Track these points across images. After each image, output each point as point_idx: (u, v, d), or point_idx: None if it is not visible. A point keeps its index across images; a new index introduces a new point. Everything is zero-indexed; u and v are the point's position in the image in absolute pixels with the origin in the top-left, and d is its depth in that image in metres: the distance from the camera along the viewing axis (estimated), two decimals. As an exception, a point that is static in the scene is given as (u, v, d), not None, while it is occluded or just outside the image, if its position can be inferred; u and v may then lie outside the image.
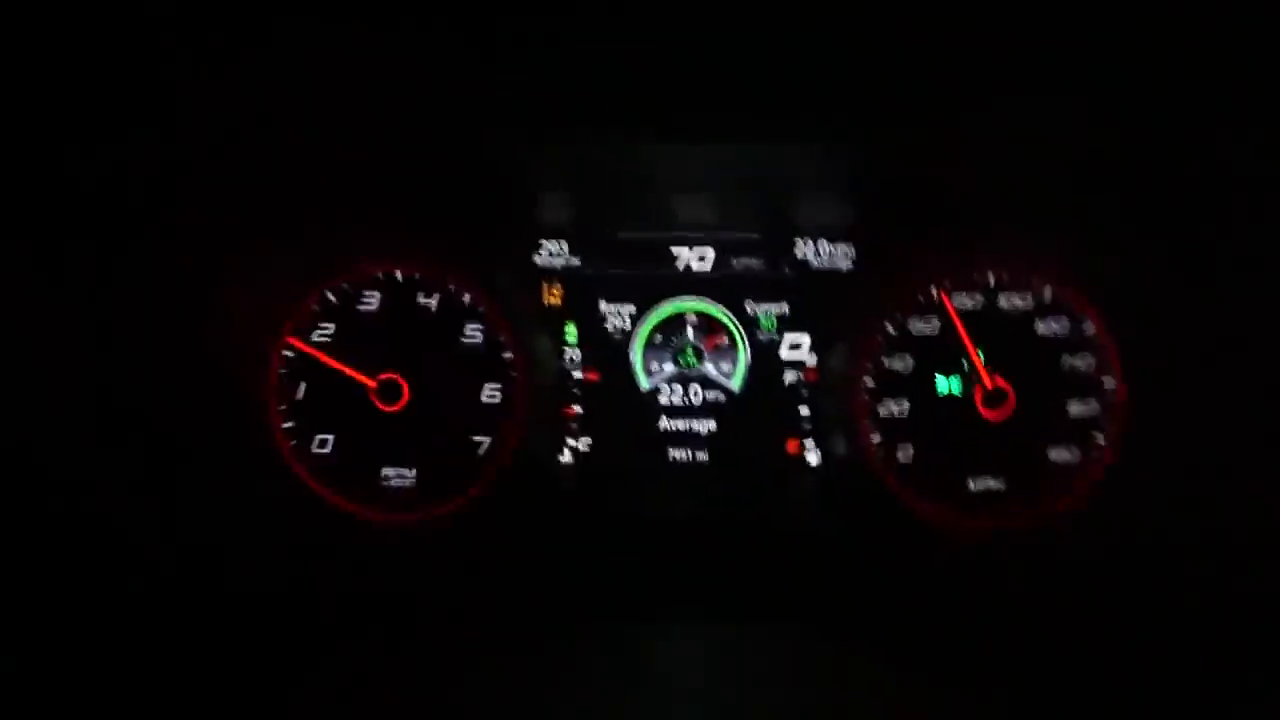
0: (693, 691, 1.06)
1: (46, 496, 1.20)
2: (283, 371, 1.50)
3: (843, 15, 1.06)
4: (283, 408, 1.49)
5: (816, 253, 1.55)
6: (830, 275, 1.55)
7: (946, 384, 1.50)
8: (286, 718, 1.12)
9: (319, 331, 1.50)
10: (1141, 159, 1.29)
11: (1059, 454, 1.50)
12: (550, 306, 1.55)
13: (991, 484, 1.50)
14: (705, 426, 1.56)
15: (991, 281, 1.50)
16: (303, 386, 1.50)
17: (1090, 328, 1.49)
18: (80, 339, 1.25)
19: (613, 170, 1.37)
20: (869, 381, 1.51)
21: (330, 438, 1.50)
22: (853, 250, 1.54)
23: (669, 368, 1.56)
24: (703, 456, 1.56)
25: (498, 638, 1.27)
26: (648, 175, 1.40)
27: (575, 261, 1.55)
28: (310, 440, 1.50)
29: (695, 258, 1.56)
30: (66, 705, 1.07)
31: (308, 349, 1.49)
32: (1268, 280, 1.27)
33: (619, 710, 1.07)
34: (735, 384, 1.56)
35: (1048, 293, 1.49)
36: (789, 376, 1.56)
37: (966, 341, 1.48)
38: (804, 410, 1.56)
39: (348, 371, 1.47)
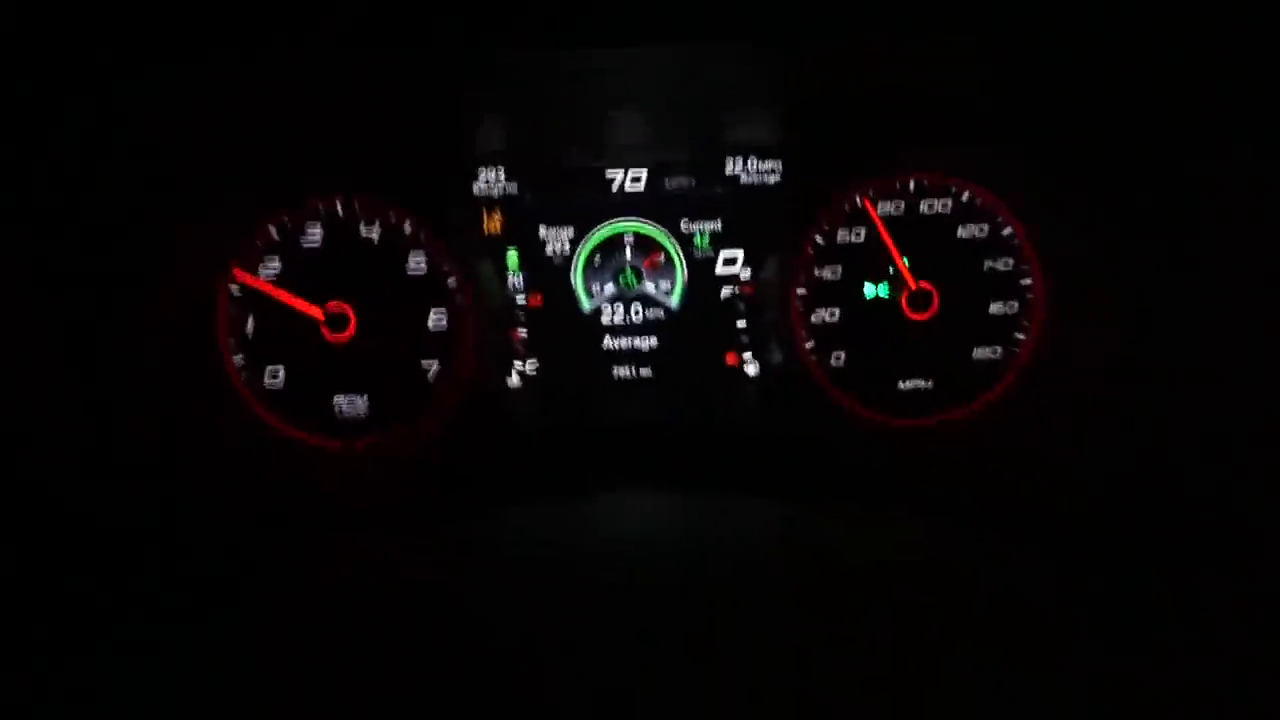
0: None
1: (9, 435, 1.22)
2: (231, 306, 1.53)
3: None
4: (232, 341, 1.53)
5: (746, 169, 1.60)
6: (760, 190, 1.60)
7: (874, 290, 1.56)
8: (243, 641, 1.14)
9: (265, 266, 1.53)
10: (1057, 70, 1.35)
11: (982, 352, 1.57)
12: (491, 234, 1.59)
13: (921, 383, 1.58)
14: (647, 343, 1.62)
15: (913, 188, 1.56)
16: (251, 320, 1.53)
17: (1009, 230, 1.56)
18: (30, 279, 1.26)
19: (546, 90, 1.40)
20: (801, 291, 1.57)
21: (281, 369, 1.54)
22: (780, 165, 1.59)
23: (609, 288, 1.61)
24: (646, 372, 1.62)
25: (449, 563, 1.30)
26: (581, 96, 1.43)
27: (513, 188, 1.59)
28: (262, 372, 1.53)
29: (629, 179, 1.60)
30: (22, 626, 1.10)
31: (255, 282, 1.52)
32: (1175, 179, 1.33)
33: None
34: (674, 301, 1.62)
35: (966, 197, 1.55)
36: (725, 291, 1.61)
37: (892, 247, 1.54)
38: (741, 323, 1.61)
39: (295, 304, 1.51)
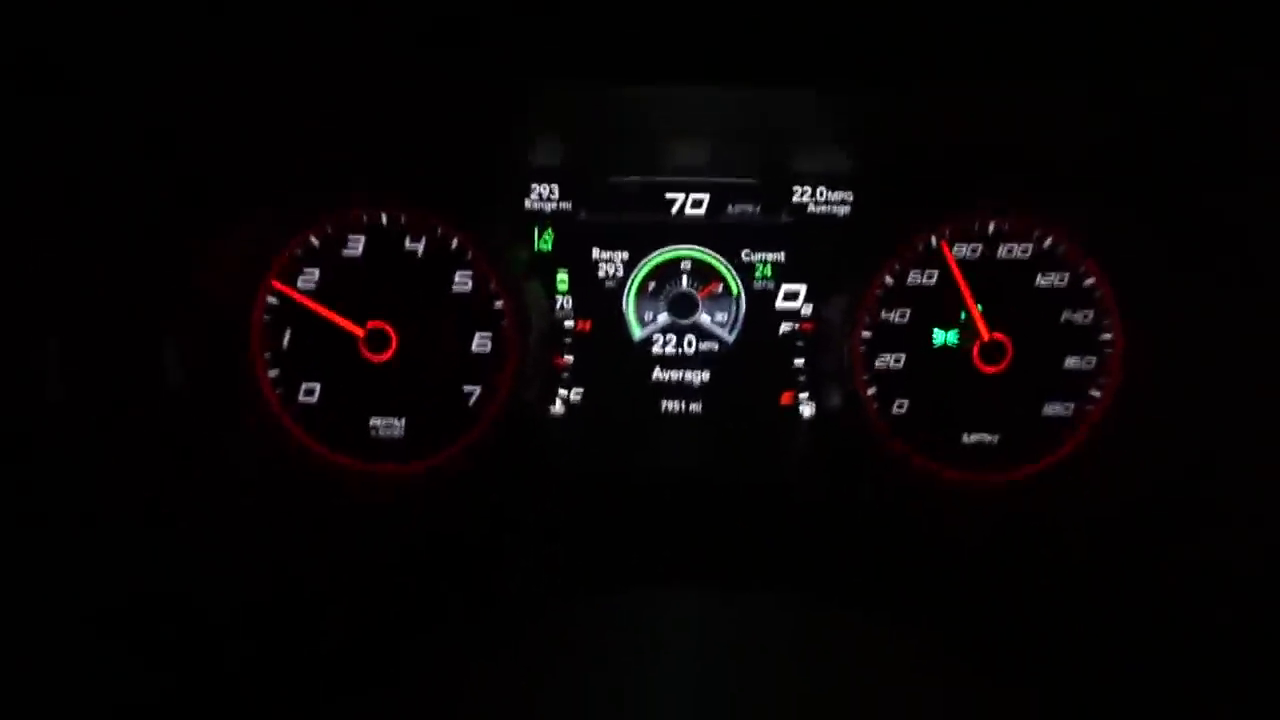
0: (682, 652, 1.06)
1: (33, 449, 1.18)
2: (268, 317, 1.46)
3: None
4: (268, 354, 1.46)
5: (814, 200, 1.51)
6: (828, 223, 1.51)
7: (943, 336, 1.48)
8: (274, 664, 1.12)
9: (304, 277, 1.46)
10: (1146, 122, 1.26)
11: (1053, 408, 1.49)
12: (541, 253, 1.51)
13: (985, 438, 1.50)
14: (699, 377, 1.55)
15: (992, 231, 1.47)
16: (288, 333, 1.46)
17: (1089, 281, 1.47)
18: (66, 288, 1.21)
19: (606, 114, 1.32)
20: (866, 333, 1.49)
21: (317, 386, 1.47)
22: (851, 197, 1.51)
23: (663, 317, 1.54)
24: (696, 408, 1.55)
25: (484, 590, 1.26)
26: (642, 119, 1.35)
27: (567, 206, 1.51)
28: (297, 389, 1.47)
29: (690, 203, 1.52)
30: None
31: (293, 294, 1.45)
32: (1266, 241, 1.25)
33: (606, 664, 1.07)
34: (730, 334, 1.54)
35: (1048, 244, 1.46)
36: (784, 327, 1.53)
37: (966, 294, 1.45)
38: (799, 362, 1.54)
39: (336, 320, 1.44)
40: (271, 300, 1.46)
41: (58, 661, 1.07)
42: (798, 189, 1.51)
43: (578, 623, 1.10)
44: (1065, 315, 1.47)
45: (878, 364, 1.49)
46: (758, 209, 1.52)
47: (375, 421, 1.48)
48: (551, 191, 1.51)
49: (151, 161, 1.27)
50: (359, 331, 1.44)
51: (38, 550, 1.15)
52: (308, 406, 1.48)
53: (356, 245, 1.46)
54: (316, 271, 1.46)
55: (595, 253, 1.52)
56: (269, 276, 1.46)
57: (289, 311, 1.46)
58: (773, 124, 1.38)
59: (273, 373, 1.47)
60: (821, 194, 1.51)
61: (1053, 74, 1.20)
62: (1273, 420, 1.26)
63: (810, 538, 1.38)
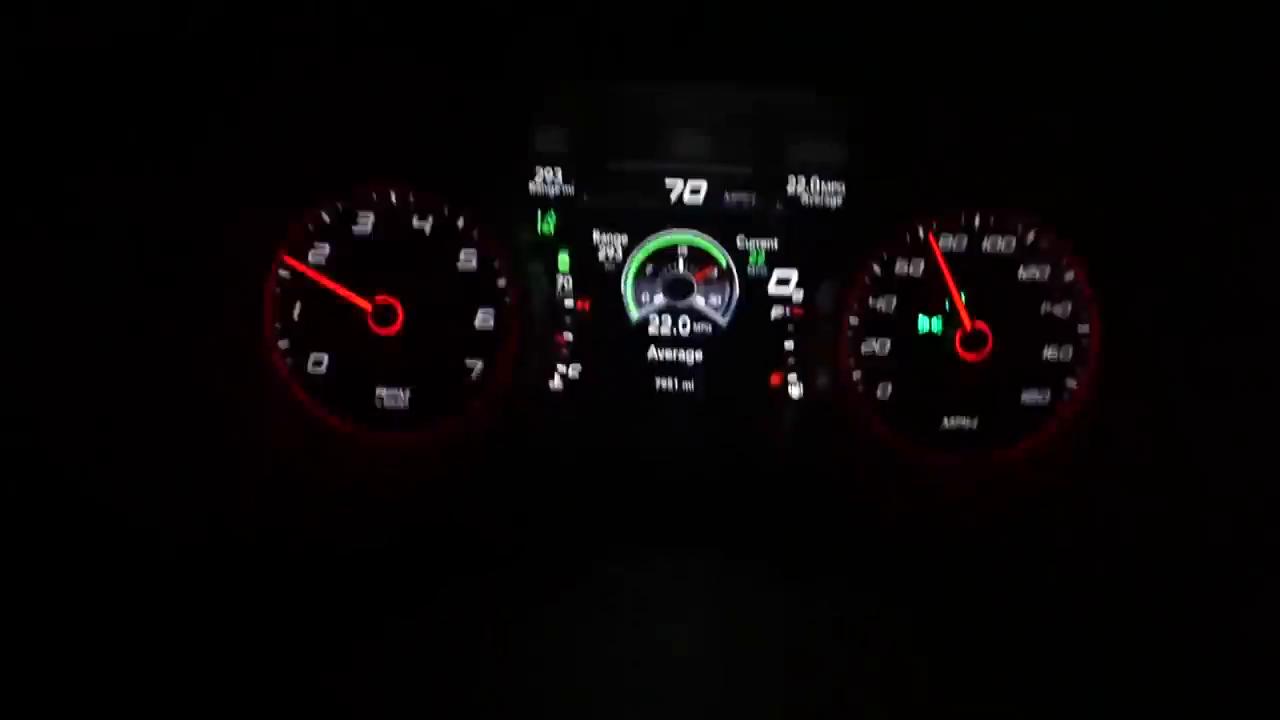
0: (673, 611, 1.12)
1: (43, 420, 1.23)
2: (279, 290, 1.52)
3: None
4: (278, 325, 1.52)
5: (808, 189, 1.57)
6: (820, 212, 1.57)
7: (928, 324, 1.54)
8: (278, 630, 1.16)
9: (314, 251, 1.52)
10: (1130, 120, 1.31)
11: (1031, 396, 1.55)
12: (544, 234, 1.57)
13: (964, 423, 1.56)
14: (693, 357, 1.61)
15: (977, 224, 1.53)
16: (299, 306, 1.52)
17: (1070, 274, 1.53)
18: (79, 261, 1.26)
19: (610, 104, 1.38)
20: (853, 319, 1.55)
21: (325, 357, 1.53)
22: (843, 188, 1.56)
23: (659, 299, 1.60)
24: (689, 386, 1.61)
25: (482, 560, 1.32)
26: (644, 110, 1.40)
27: (569, 190, 1.57)
28: (306, 359, 1.53)
29: (689, 190, 1.57)
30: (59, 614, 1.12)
31: (304, 268, 1.50)
32: (1247, 235, 1.30)
33: (601, 629, 1.13)
34: (724, 317, 1.60)
35: (1030, 239, 1.52)
36: (776, 311, 1.59)
37: (950, 283, 1.51)
38: (789, 345, 1.60)
39: (345, 294, 1.50)
40: (283, 274, 1.52)
41: (79, 619, 1.12)
42: (792, 179, 1.57)
43: (569, 585, 1.15)
44: (1045, 307, 1.53)
45: (864, 349, 1.55)
46: (753, 197, 1.58)
47: (381, 392, 1.54)
48: (555, 176, 1.56)
49: (174, 140, 1.32)
50: (367, 305, 1.50)
51: (53, 510, 1.20)
52: (316, 376, 1.53)
53: (366, 222, 1.52)
54: (327, 246, 1.52)
55: (596, 236, 1.58)
56: (281, 250, 1.51)
57: (300, 285, 1.52)
58: (769, 117, 1.43)
59: (283, 343, 1.53)
60: (815, 185, 1.57)
61: (1040, 80, 1.25)
62: (1244, 412, 1.32)
63: (793, 512, 1.45)
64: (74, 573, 1.18)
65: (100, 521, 1.26)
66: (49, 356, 1.23)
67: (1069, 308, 1.53)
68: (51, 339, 1.24)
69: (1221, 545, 1.27)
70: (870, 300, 1.54)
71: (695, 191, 1.57)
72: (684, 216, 1.58)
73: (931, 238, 1.52)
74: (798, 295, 1.59)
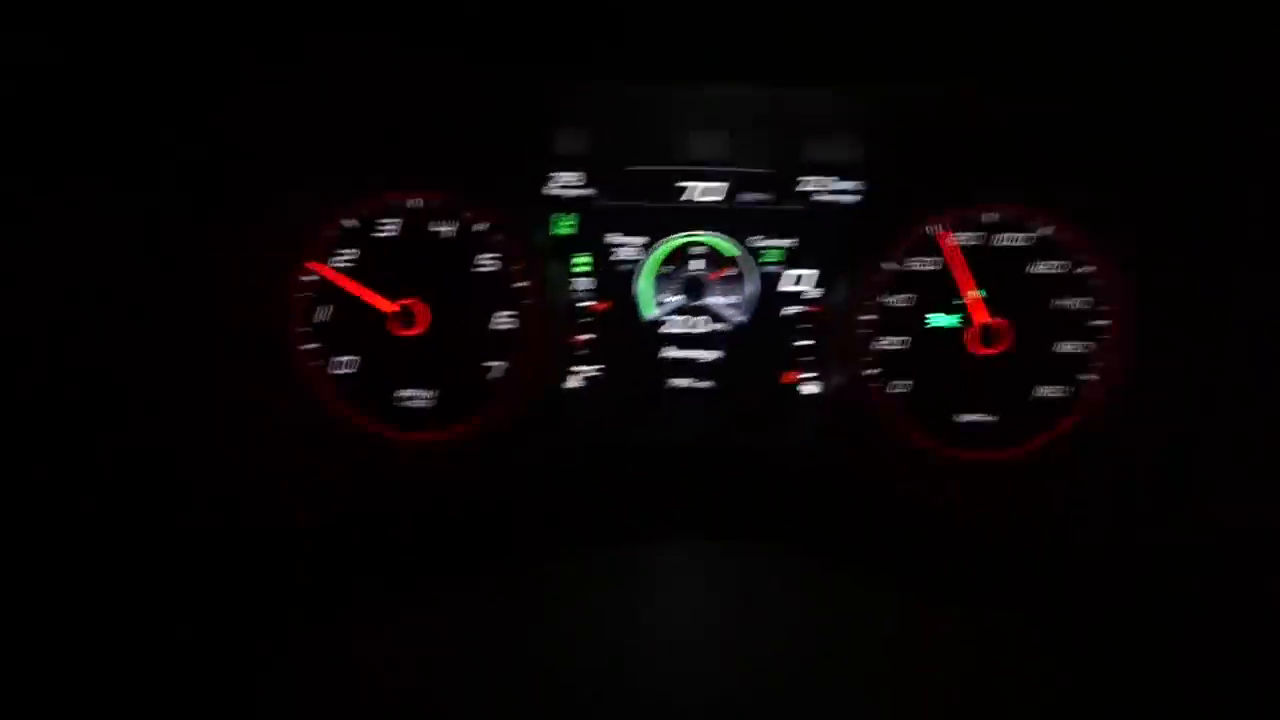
0: (691, 608, 1.14)
1: (74, 415, 1.26)
2: (305, 294, 1.55)
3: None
4: (305, 329, 1.55)
5: (823, 189, 1.58)
6: (836, 211, 1.59)
7: (943, 320, 1.55)
8: (303, 624, 1.19)
9: (340, 257, 1.55)
10: (1141, 112, 1.32)
11: (1047, 390, 1.56)
12: (562, 236, 1.60)
13: (981, 418, 1.57)
14: (709, 356, 1.63)
15: (991, 220, 1.54)
16: (324, 309, 1.56)
17: (1085, 268, 1.53)
18: (110, 259, 1.29)
19: (627, 107, 1.39)
20: (869, 316, 1.56)
21: (350, 359, 1.57)
22: (858, 187, 1.58)
23: (676, 299, 1.62)
24: (705, 385, 1.63)
25: (504, 555, 1.34)
26: (662, 112, 1.42)
27: (588, 193, 1.59)
28: (333, 361, 1.57)
29: (704, 191, 1.59)
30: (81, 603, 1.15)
31: (329, 272, 1.54)
32: (1264, 231, 1.31)
33: (617, 625, 1.15)
34: (740, 315, 1.62)
35: (1045, 233, 1.53)
36: (791, 309, 1.61)
37: (966, 279, 1.52)
38: (805, 342, 1.61)
39: (369, 297, 1.53)
40: (309, 278, 1.55)
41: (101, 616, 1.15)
42: (807, 179, 1.58)
43: (588, 574, 1.17)
44: (1061, 302, 1.54)
45: (879, 345, 1.56)
46: (769, 197, 1.60)
47: (404, 393, 1.58)
48: (574, 179, 1.59)
49: (196, 143, 1.35)
50: (391, 308, 1.54)
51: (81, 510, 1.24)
52: (341, 377, 1.57)
53: (390, 228, 1.56)
54: (352, 251, 1.55)
55: (613, 237, 1.60)
56: (306, 256, 1.55)
57: (325, 289, 1.55)
58: (785, 117, 1.45)
59: (309, 345, 1.56)
60: (830, 183, 1.58)
61: (1057, 76, 1.26)
62: (1260, 405, 1.32)
63: (809, 508, 1.46)
64: (102, 571, 1.20)
65: (131, 519, 1.29)
66: (76, 370, 1.26)
67: (1087, 301, 1.54)
68: (81, 349, 1.26)
69: (1239, 535, 1.27)
70: (885, 297, 1.56)
71: (711, 192, 1.59)
72: (700, 216, 1.60)
73: (947, 234, 1.53)
74: (813, 293, 1.60)
